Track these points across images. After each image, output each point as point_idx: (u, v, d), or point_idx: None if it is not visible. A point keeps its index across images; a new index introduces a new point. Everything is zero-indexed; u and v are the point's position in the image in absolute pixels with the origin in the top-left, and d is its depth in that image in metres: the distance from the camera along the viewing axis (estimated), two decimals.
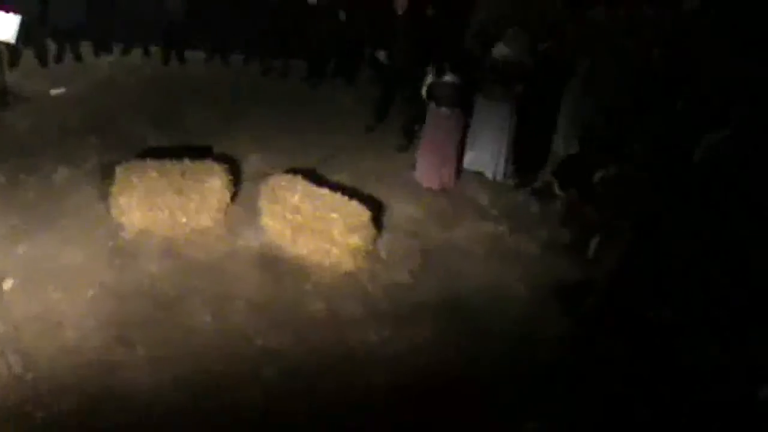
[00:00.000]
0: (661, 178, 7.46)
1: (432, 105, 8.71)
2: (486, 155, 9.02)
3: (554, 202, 8.73)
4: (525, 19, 9.53)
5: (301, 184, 8.19)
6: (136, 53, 10.87)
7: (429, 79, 8.68)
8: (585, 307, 7.34)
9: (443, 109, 8.69)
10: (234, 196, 8.48)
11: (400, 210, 8.63)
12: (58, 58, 10.60)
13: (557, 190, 8.69)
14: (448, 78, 8.58)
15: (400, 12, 9.23)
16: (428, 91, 8.67)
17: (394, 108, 9.82)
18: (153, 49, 10.86)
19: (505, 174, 9.07)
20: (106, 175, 8.50)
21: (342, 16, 10.03)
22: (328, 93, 10.47)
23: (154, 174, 8.18)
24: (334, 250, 7.89)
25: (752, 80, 7.89)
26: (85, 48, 10.72)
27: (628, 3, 9.25)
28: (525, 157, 9.09)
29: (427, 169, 8.94)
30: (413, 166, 9.13)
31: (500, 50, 9.09)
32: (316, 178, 8.57)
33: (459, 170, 9.06)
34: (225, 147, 9.20)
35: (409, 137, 9.57)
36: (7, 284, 7.48)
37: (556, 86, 9.08)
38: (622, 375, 6.70)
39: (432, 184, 8.94)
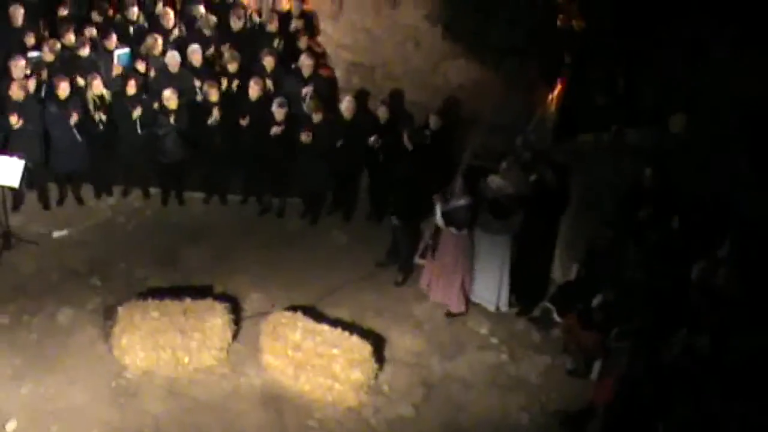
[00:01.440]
0: (659, 301, 7.95)
1: (450, 230, 9.29)
2: (486, 287, 9.57)
3: (554, 329, 9.18)
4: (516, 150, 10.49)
5: (301, 321, 8.70)
6: (137, 195, 11.53)
7: (441, 205, 9.30)
8: None
9: (464, 231, 9.29)
10: (235, 335, 8.99)
11: (401, 342, 9.12)
12: (60, 201, 11.26)
13: (556, 317, 9.10)
14: (462, 201, 9.21)
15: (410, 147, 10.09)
16: (445, 217, 9.26)
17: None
18: (152, 191, 11.54)
19: (505, 304, 9.58)
20: (108, 316, 9.07)
21: (339, 143, 10.80)
22: (324, 230, 11.11)
23: (155, 314, 8.69)
24: (337, 386, 8.33)
25: (742, 198, 8.68)
26: (87, 191, 11.40)
27: (616, 128, 10.20)
28: (524, 286, 9.59)
29: (448, 292, 9.48)
30: (416, 299, 9.73)
31: (495, 182, 9.82)
32: (316, 314, 9.15)
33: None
34: (225, 286, 9.77)
35: (406, 272, 10.15)
36: (11, 426, 7.86)
37: (552, 214, 9.70)
38: None
39: (455, 305, 9.48)
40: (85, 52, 11.17)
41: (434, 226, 9.71)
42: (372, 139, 10.56)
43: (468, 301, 9.62)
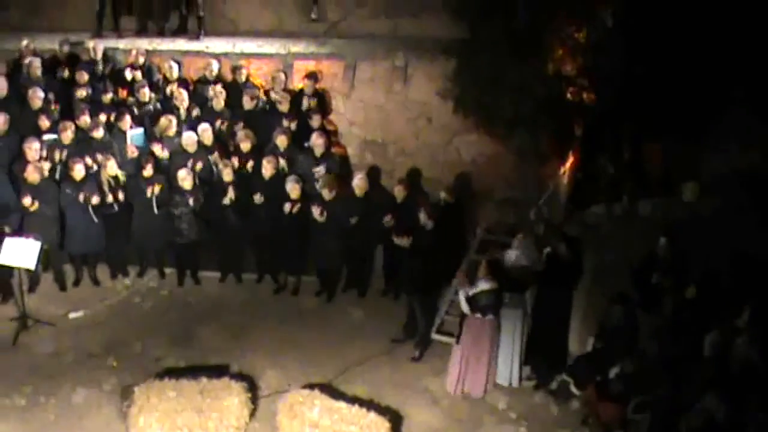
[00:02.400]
0: (677, 371, 8.14)
1: (475, 315, 9.47)
2: (499, 362, 9.76)
3: (572, 401, 9.33)
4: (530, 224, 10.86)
5: (318, 399, 8.87)
6: (152, 275, 11.85)
7: (465, 291, 9.47)
8: None
9: (489, 317, 9.46)
10: (253, 413, 9.10)
11: (419, 419, 9.28)
12: (76, 282, 11.61)
13: (574, 390, 9.24)
14: (487, 286, 9.38)
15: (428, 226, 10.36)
16: (469, 302, 9.44)
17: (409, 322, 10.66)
18: (168, 270, 11.89)
19: (519, 378, 9.78)
20: (125, 396, 9.25)
21: (353, 221, 11.09)
22: (340, 307, 11.40)
23: (172, 394, 8.87)
24: None
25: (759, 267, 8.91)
26: (102, 271, 11.74)
27: (630, 196, 10.52)
28: (541, 358, 9.79)
29: (474, 378, 9.63)
30: (433, 374, 9.93)
31: (510, 256, 10.15)
32: (333, 391, 9.31)
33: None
34: (241, 364, 10.01)
35: (422, 348, 10.37)
36: None
37: (567, 287, 9.90)
38: None
39: (478, 390, 9.63)
40: (99, 134, 11.55)
41: (459, 310, 9.89)
42: (386, 219, 10.90)
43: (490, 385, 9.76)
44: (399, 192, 11.21)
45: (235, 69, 12.86)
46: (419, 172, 12.76)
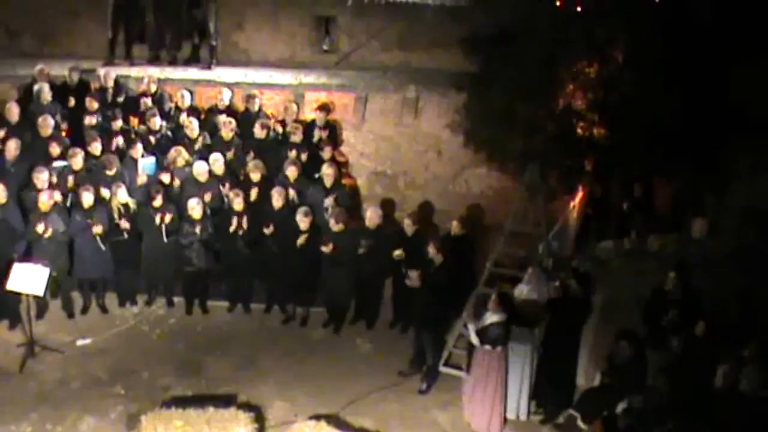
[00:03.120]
0: (685, 407, 8.23)
1: (484, 348, 9.57)
2: (508, 395, 9.81)
3: None
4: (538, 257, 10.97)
5: (325, 430, 8.97)
6: (160, 304, 11.96)
7: (475, 323, 9.61)
8: None
9: (498, 349, 9.54)
10: None
11: None
12: (84, 310, 11.73)
13: (581, 424, 9.25)
14: (496, 318, 9.50)
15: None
16: (479, 335, 9.55)
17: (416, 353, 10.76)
18: (176, 299, 11.99)
19: (528, 412, 9.87)
20: (131, 425, 9.32)
21: (361, 250, 11.23)
22: (348, 338, 11.52)
23: (179, 423, 8.92)
24: None
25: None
26: (110, 299, 11.85)
27: (639, 232, 10.64)
28: (549, 392, 9.89)
29: (482, 411, 9.70)
30: (440, 406, 10.07)
31: (520, 290, 10.32)
32: (340, 423, 9.42)
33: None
34: (249, 394, 10.11)
35: (430, 380, 10.46)
36: None
37: (576, 321, 10.01)
38: None
39: (485, 425, 9.70)
40: (112, 172, 11.65)
41: (466, 343, 10.05)
42: (396, 253, 11.03)
43: (500, 419, 9.82)
44: (408, 226, 11.34)
45: (249, 98, 13.04)
46: (430, 206, 12.91)
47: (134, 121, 12.75)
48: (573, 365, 10.05)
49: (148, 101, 12.84)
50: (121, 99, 12.96)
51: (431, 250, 10.53)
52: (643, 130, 10.66)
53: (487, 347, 9.58)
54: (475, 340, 9.62)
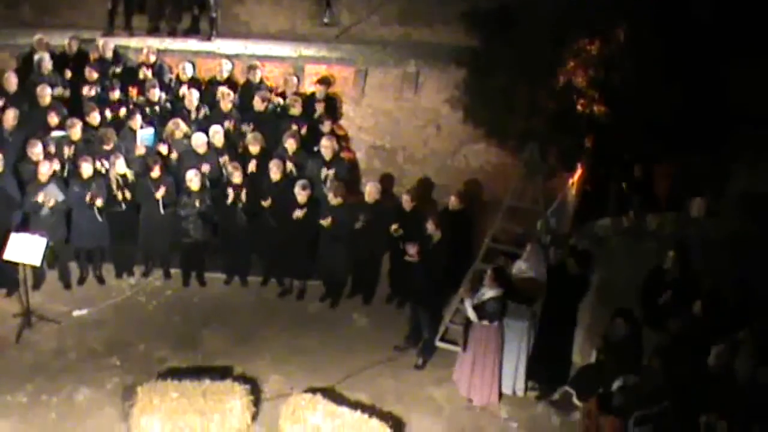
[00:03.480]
0: (679, 386, 8.28)
1: (482, 323, 9.59)
2: (504, 372, 9.86)
3: (574, 413, 9.43)
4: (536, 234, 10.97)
5: (321, 404, 9.00)
6: (157, 275, 12.00)
7: (472, 299, 9.60)
8: None
9: (495, 324, 9.58)
10: (255, 416, 9.26)
11: (421, 426, 9.44)
12: (81, 280, 11.75)
13: (576, 401, 9.37)
14: (493, 293, 9.51)
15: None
16: (476, 310, 9.55)
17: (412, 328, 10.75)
18: (173, 271, 12.00)
19: (521, 389, 9.91)
20: (127, 396, 9.37)
21: (358, 225, 11.20)
22: (344, 312, 11.54)
23: (175, 395, 9.00)
24: None
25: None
26: (108, 270, 11.87)
27: (637, 211, 10.61)
28: (544, 369, 9.93)
29: (481, 385, 9.73)
30: (436, 382, 10.12)
31: (518, 267, 10.31)
32: (335, 397, 9.44)
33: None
34: (245, 367, 10.14)
35: (426, 356, 10.50)
36: None
37: (573, 299, 10.04)
38: None
39: (484, 398, 9.75)
40: (110, 145, 11.60)
41: (463, 318, 10.06)
42: (393, 227, 11.00)
43: (497, 393, 9.88)
44: (407, 202, 11.31)
45: (250, 69, 13.01)
46: (428, 182, 12.90)
47: (133, 91, 12.68)
48: (569, 343, 10.07)
49: (148, 72, 12.80)
50: (119, 69, 12.91)
51: (429, 226, 10.53)
52: (644, 110, 10.61)
53: (485, 322, 9.59)
54: (472, 315, 9.62)
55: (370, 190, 11.42)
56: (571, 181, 11.58)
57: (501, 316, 9.64)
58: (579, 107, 11.27)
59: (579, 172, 11.51)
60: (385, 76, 13.23)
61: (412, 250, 10.23)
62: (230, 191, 11.39)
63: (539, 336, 9.97)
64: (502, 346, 9.81)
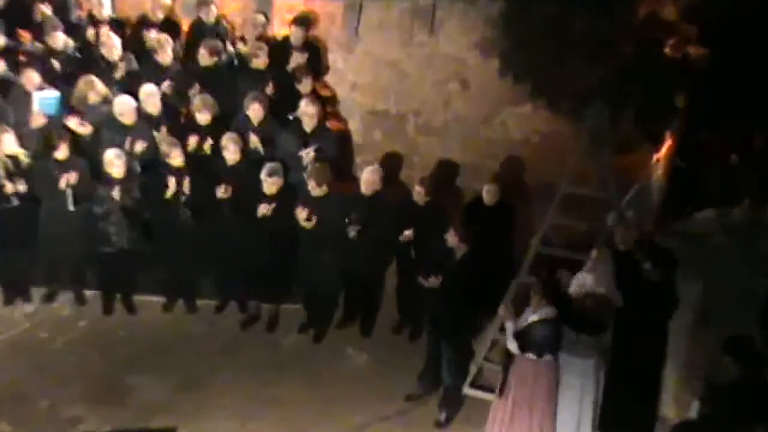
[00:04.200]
0: None
1: (527, 356, 9.41)
2: (561, 426, 9.64)
3: None
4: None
5: None
6: (66, 300, 11.90)
7: (513, 323, 9.47)
8: None
9: (547, 356, 9.40)
10: None
11: None
12: None
13: None
14: (543, 314, 9.33)
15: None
16: (519, 339, 9.39)
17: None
18: (89, 294, 11.91)
19: None
20: None
21: (352, 233, 11.12)
22: (335, 348, 11.48)
23: None
24: None
25: None
26: None
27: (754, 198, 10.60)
28: (618, 425, 9.77)
29: None
30: None
31: (581, 282, 10.06)
32: None
33: None
34: (193, 428, 10.00)
35: (451, 408, 10.40)
36: None
37: (659, 325, 9.96)
38: None
39: None
40: None
41: (502, 354, 9.93)
42: (405, 234, 11.03)
43: None
44: (420, 195, 11.35)
45: (200, 4, 12.97)
46: (451, 164, 12.98)
47: (25, 36, 12.65)
48: (654, 387, 10.05)
49: (46, 9, 12.76)
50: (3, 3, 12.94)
51: (451, 239, 10.36)
52: (765, 52, 10.52)
53: (531, 355, 9.44)
54: (513, 346, 9.49)
55: (368, 177, 11.32)
56: (656, 156, 11.61)
57: (555, 348, 9.48)
58: (667, 50, 11.24)
59: (668, 143, 11.51)
60: (387, 12, 13.19)
61: (432, 281, 10.26)
62: (169, 179, 11.26)
63: (611, 378, 9.83)
64: (556, 391, 9.63)
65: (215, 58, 12.41)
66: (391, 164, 12.47)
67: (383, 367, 11.15)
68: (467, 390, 10.57)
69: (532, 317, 9.44)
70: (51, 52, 12.40)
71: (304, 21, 12.93)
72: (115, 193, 11.18)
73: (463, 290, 10.19)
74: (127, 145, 11.42)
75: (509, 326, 9.53)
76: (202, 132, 11.69)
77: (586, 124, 11.72)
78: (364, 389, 10.80)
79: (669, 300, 10.01)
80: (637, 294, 9.83)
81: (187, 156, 11.40)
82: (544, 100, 12.28)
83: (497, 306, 10.65)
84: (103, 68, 12.27)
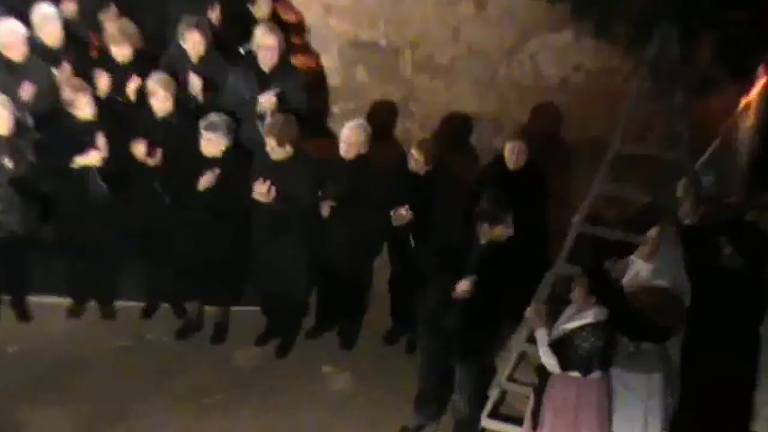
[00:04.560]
0: None
1: (568, 375, 9.12)
2: None
3: None
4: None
5: None
6: None
7: (549, 330, 9.11)
8: None
9: (595, 374, 9.10)
10: None
11: None
12: None
13: None
14: (588, 318, 8.99)
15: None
16: (556, 350, 9.04)
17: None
18: None
19: None
20: None
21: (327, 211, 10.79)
22: (305, 365, 11.09)
23: None
24: None
25: None
26: None
27: None
28: None
29: None
30: None
31: (637, 271, 9.59)
32: None
33: None
34: None
35: None
36: None
37: (744, 324, 9.54)
38: None
39: None
40: None
41: (535, 367, 9.75)
42: (398, 212, 10.59)
43: None
44: (418, 162, 10.88)
45: None
46: (461, 116, 12.53)
47: None
48: (743, 406, 9.67)
49: None
50: None
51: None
52: None
53: (574, 373, 8.98)
54: (549, 361, 9.07)
55: (350, 135, 10.83)
56: (744, 101, 11.19)
57: (607, 362, 9.08)
58: None
59: (762, 83, 11.09)
60: None
61: (464, 285, 9.65)
62: (81, 136, 10.75)
63: (685, 398, 9.47)
64: (608, 420, 9.28)
65: None
66: (380, 116, 12.17)
67: (370, 390, 10.79)
68: (486, 422, 10.16)
69: (574, 322, 9.05)
70: None
71: None
72: (3, 157, 10.50)
73: (487, 291, 9.69)
74: (16, 90, 10.72)
75: (542, 335, 9.14)
76: (120, 72, 11.03)
77: (647, 56, 10.97)
78: (345, 420, 10.41)
79: (758, 296, 9.55)
80: (713, 288, 9.39)
81: (99, 105, 10.70)
82: (590, 23, 11.86)
83: (525, 303, 9.99)
84: None
